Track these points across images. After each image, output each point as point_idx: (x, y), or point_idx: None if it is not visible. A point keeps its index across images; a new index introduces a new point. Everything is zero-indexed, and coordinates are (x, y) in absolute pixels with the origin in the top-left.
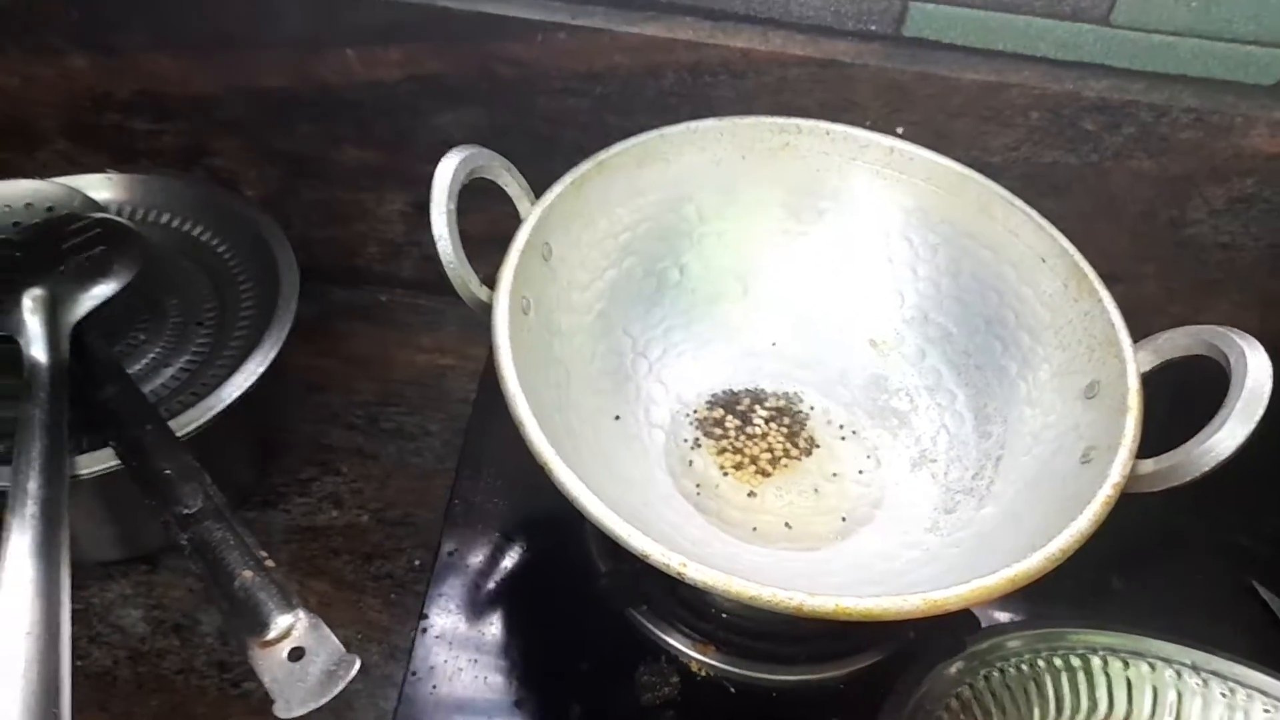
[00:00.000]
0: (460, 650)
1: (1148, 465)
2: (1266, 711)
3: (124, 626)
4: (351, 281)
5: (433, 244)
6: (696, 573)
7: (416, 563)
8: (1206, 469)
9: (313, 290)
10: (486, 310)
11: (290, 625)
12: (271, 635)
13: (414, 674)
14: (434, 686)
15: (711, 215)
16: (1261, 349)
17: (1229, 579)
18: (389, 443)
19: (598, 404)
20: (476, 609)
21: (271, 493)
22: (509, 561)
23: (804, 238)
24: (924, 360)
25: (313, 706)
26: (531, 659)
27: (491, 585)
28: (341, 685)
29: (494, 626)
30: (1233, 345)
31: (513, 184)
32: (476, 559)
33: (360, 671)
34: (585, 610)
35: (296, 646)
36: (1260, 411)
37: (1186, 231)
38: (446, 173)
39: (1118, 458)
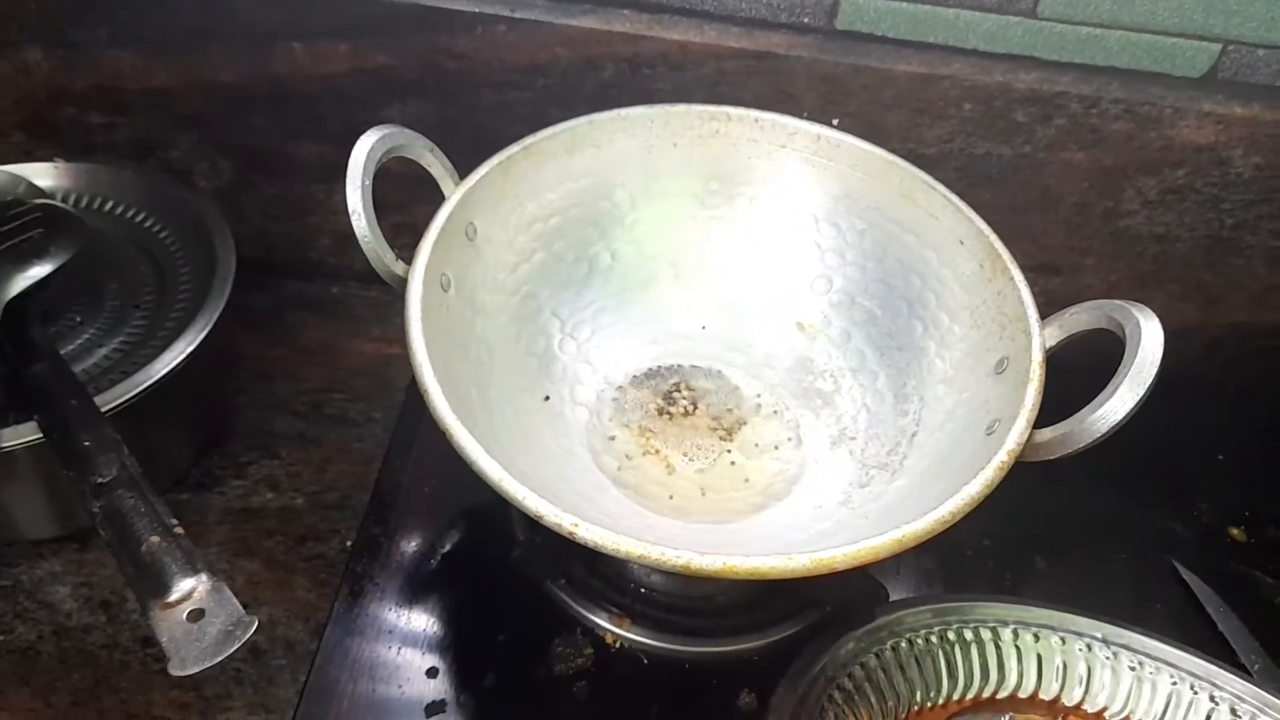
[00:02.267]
0: (377, 622)
1: (1045, 434)
2: (1174, 683)
3: (51, 603)
4: (305, 274)
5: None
6: (587, 532)
7: (349, 544)
8: (1100, 434)
9: (267, 283)
10: (403, 285)
11: (192, 588)
12: (173, 597)
13: (327, 642)
14: (346, 654)
15: (643, 201)
16: (1156, 320)
17: (1152, 560)
18: (331, 429)
19: (521, 382)
20: (397, 583)
21: (208, 476)
22: (434, 538)
23: (735, 224)
24: (849, 342)
25: (206, 665)
26: (449, 631)
27: (415, 562)
28: (238, 645)
29: (414, 600)
30: (1129, 316)
31: (436, 164)
32: (402, 537)
33: (285, 647)
34: (505, 586)
35: (196, 608)
36: (1150, 378)
37: (1121, 223)
38: (363, 150)
39: (1015, 426)
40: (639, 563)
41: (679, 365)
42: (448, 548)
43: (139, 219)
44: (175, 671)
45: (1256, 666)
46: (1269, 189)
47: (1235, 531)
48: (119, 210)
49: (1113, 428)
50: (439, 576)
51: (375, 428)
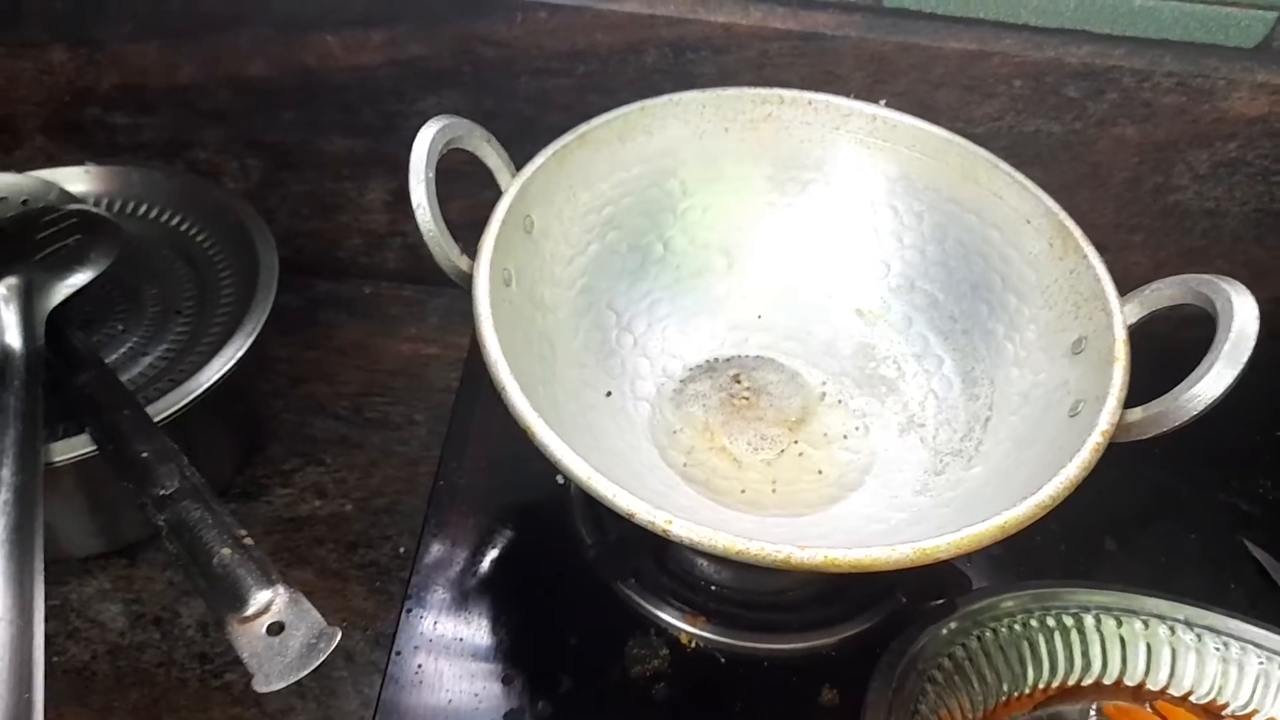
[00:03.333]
0: (446, 629)
1: (1136, 413)
2: (1261, 664)
3: (103, 621)
4: (336, 274)
5: (415, 232)
6: (682, 529)
7: (402, 550)
8: (1195, 413)
9: (297, 284)
10: (467, 280)
11: (269, 601)
12: (250, 611)
13: (398, 653)
14: (419, 666)
15: (695, 188)
16: (1248, 293)
17: (1221, 539)
18: (373, 432)
19: (583, 377)
20: (462, 589)
21: (253, 484)
22: (495, 542)
23: (789, 209)
24: (911, 328)
25: (292, 679)
26: (519, 636)
27: (477, 565)
28: (322, 657)
29: (481, 606)
30: (1219, 291)
31: (492, 155)
32: (462, 540)
33: (344, 659)
34: (573, 586)
35: (276, 621)
36: (1246, 355)
37: (1171, 198)
38: (425, 141)
39: (1106, 406)
40: (737, 559)
41: (737, 356)
42: (510, 550)
43: (174, 222)
44: (260, 688)
45: None
46: None
47: None
48: (153, 214)
49: (1209, 405)
50: (504, 580)
51: (419, 430)
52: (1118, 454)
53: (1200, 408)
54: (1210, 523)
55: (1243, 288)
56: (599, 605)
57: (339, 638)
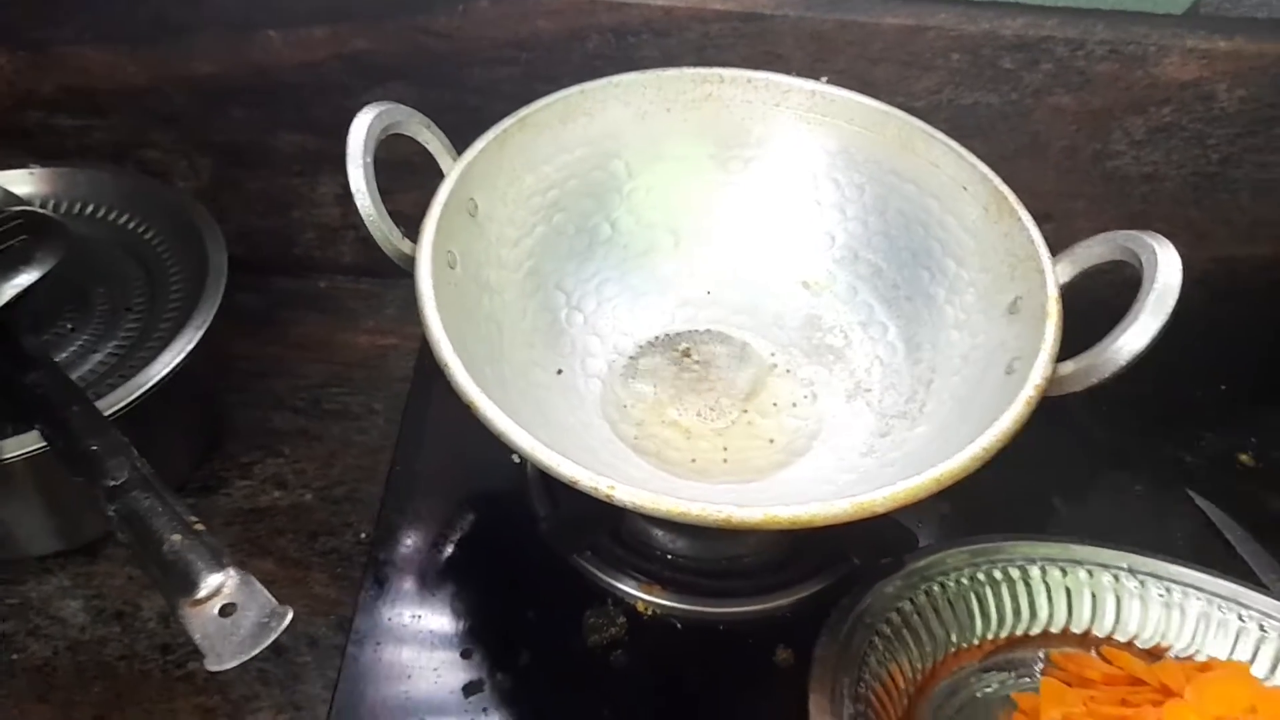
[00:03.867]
0: (405, 609)
1: (1067, 366)
2: (1202, 606)
3: (63, 617)
4: (292, 271)
5: (368, 227)
6: (625, 494)
7: (363, 536)
8: (1123, 363)
9: (254, 282)
10: (411, 264)
11: (221, 583)
12: (202, 594)
13: (357, 634)
14: (378, 645)
15: (640, 169)
16: (1172, 247)
17: (1167, 492)
18: (333, 423)
19: (532, 357)
20: (421, 570)
21: (213, 478)
22: (453, 523)
23: (733, 187)
24: (856, 297)
25: (244, 658)
26: (478, 612)
27: (436, 546)
28: (274, 636)
29: (439, 585)
30: (1144, 245)
31: (433, 140)
32: (420, 523)
33: (308, 644)
34: (530, 562)
35: (228, 603)
36: (1170, 305)
37: (1110, 165)
38: (361, 127)
39: (1038, 361)
40: (679, 520)
41: (688, 331)
42: (468, 531)
43: (122, 221)
44: (212, 667)
45: (1277, 585)
46: (1253, 122)
47: (1244, 457)
48: (101, 214)
49: (1135, 356)
50: (462, 559)
51: (378, 419)
52: (1065, 413)
53: (1128, 358)
54: (1156, 476)
55: (1166, 242)
56: (556, 579)
57: (290, 617)
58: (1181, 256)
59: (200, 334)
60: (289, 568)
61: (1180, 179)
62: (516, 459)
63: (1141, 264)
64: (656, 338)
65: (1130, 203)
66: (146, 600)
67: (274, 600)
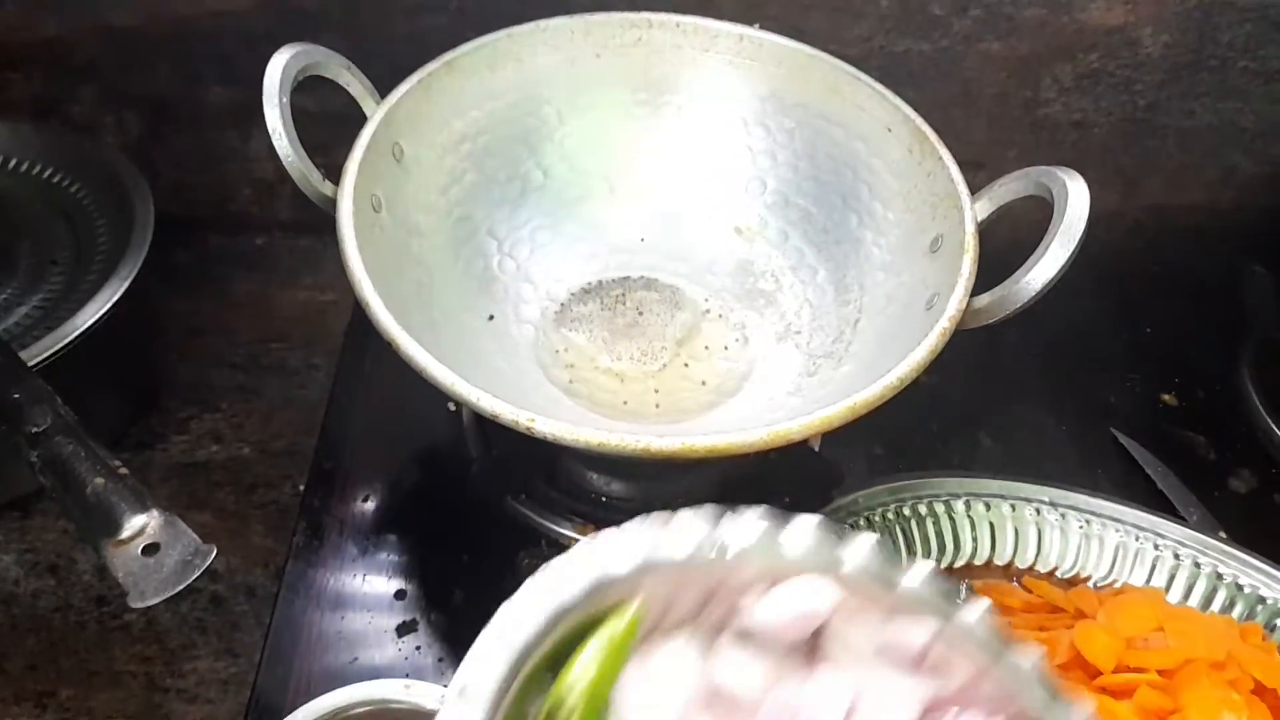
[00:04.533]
0: (338, 555)
1: (982, 300)
2: (1120, 537)
3: None
4: (229, 228)
5: None
6: (545, 426)
7: (302, 488)
8: (1035, 293)
9: (191, 239)
10: (333, 205)
11: (144, 524)
12: (125, 534)
13: (289, 577)
14: (310, 588)
15: (571, 116)
16: (1081, 180)
17: (1091, 430)
18: (271, 379)
19: (464, 303)
20: (354, 516)
21: (147, 434)
22: (388, 470)
23: (665, 133)
24: (787, 242)
25: (167, 594)
26: (412, 556)
27: (370, 494)
28: (197, 573)
29: (375, 530)
30: (1055, 179)
31: (355, 83)
32: (355, 471)
33: (246, 594)
34: (465, 507)
35: (151, 542)
36: (1078, 236)
37: (1041, 112)
38: (277, 67)
39: (954, 294)
40: (600, 451)
41: (622, 278)
42: (403, 478)
43: (46, 175)
44: (135, 604)
45: (1194, 518)
46: (1177, 67)
47: (1167, 398)
48: (23, 168)
49: (1045, 285)
50: (397, 506)
51: (318, 374)
52: (995, 356)
53: (1038, 288)
54: (1082, 416)
55: (1077, 175)
56: (490, 523)
57: (214, 554)
58: (1114, 207)
59: (126, 285)
60: (226, 520)
61: (1109, 126)
62: (452, 407)
63: (1053, 196)
64: (590, 284)
65: (1061, 150)
66: (81, 554)
67: (198, 539)
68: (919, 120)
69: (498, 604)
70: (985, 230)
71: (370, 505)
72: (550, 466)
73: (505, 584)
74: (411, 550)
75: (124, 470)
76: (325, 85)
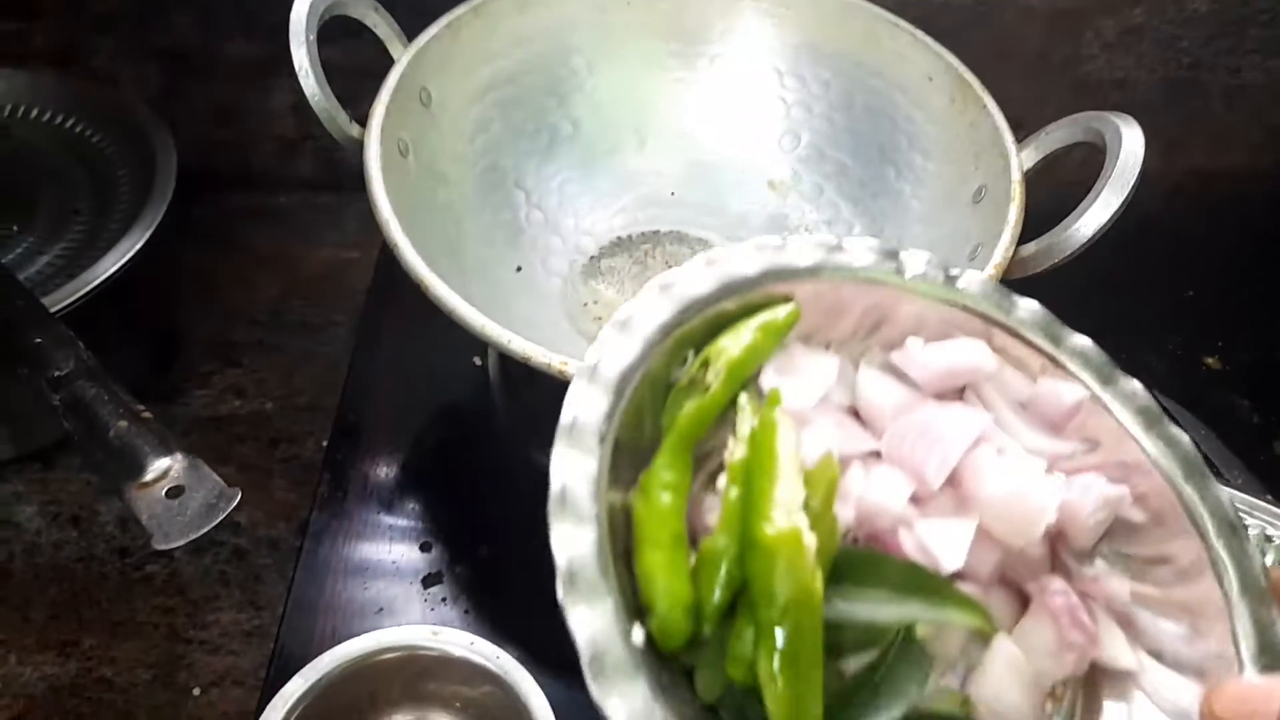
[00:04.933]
0: (362, 507)
1: (1029, 247)
2: None
3: (18, 523)
4: (250, 185)
5: (327, 135)
6: (577, 369)
7: (325, 444)
8: (1085, 240)
9: (212, 197)
10: (359, 148)
11: (168, 467)
12: (149, 477)
13: (313, 528)
14: (334, 540)
15: (601, 66)
16: (1136, 124)
17: None
18: (293, 335)
19: (492, 253)
20: (380, 468)
21: (169, 388)
22: (413, 425)
23: (697, 85)
24: (822, 196)
25: (192, 536)
26: (438, 509)
27: (395, 447)
28: (221, 515)
29: (400, 484)
30: (1108, 123)
31: (381, 24)
32: (379, 425)
33: (269, 547)
34: (492, 459)
35: (175, 485)
36: (1132, 181)
37: (1081, 70)
38: (303, 5)
39: (1000, 242)
40: None
41: (652, 231)
42: (429, 432)
43: (68, 125)
44: (159, 545)
45: (1239, 481)
46: (1224, 22)
47: (1210, 361)
48: (45, 117)
49: (1098, 232)
50: (422, 459)
51: (340, 331)
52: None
53: (1090, 234)
54: None
55: (1132, 120)
56: (517, 476)
57: (239, 497)
58: (1155, 169)
59: (148, 234)
60: (249, 473)
61: (1151, 85)
62: (478, 361)
63: (1105, 142)
64: (619, 238)
65: (1102, 109)
66: (104, 505)
67: (222, 482)
68: (962, 68)
69: (524, 557)
70: (1033, 182)
71: (394, 459)
72: None
73: (532, 538)
74: (436, 503)
75: (147, 414)
76: (352, 37)
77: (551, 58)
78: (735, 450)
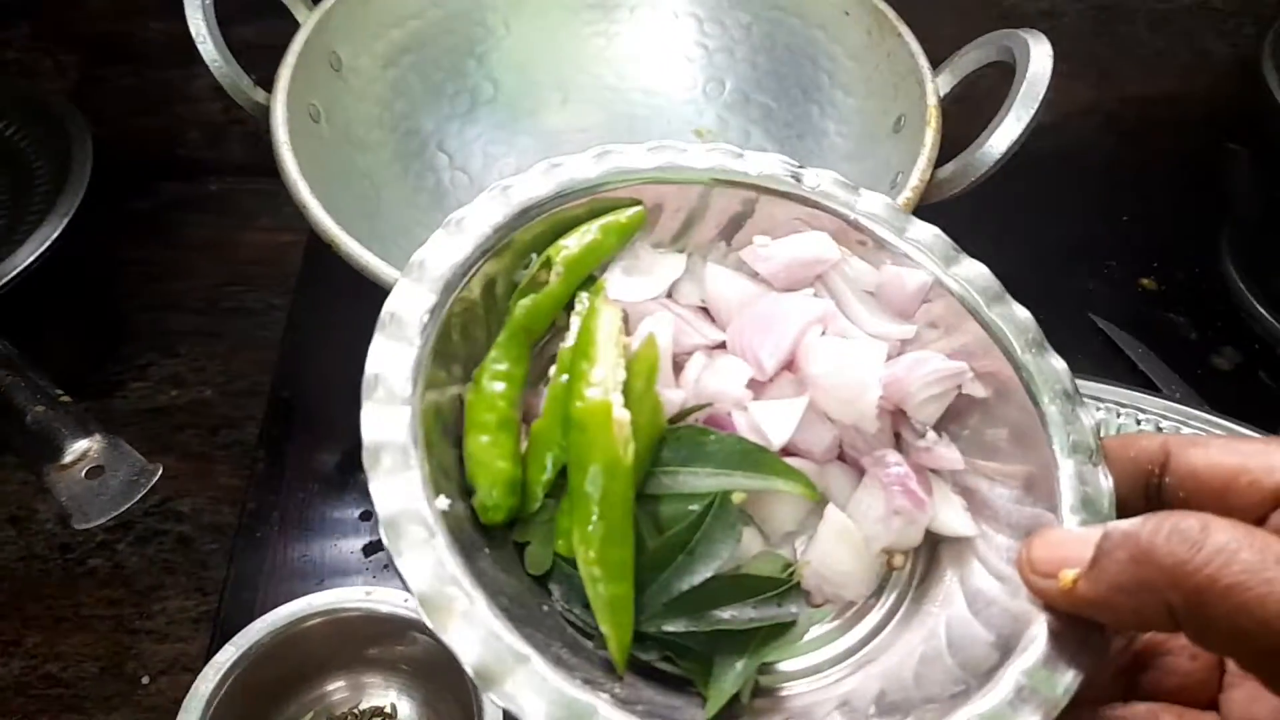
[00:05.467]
0: (302, 476)
1: (945, 170)
2: (1100, 410)
3: None
4: (181, 173)
5: (253, 119)
6: None
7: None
8: (996, 159)
9: (145, 187)
10: (266, 113)
11: (87, 448)
12: (68, 459)
13: (251, 504)
14: (273, 511)
15: (517, 23)
16: (1045, 40)
17: (1070, 317)
18: (231, 321)
19: (415, 217)
20: (315, 445)
21: (106, 382)
22: (349, 399)
23: (618, 37)
24: (749, 141)
25: (112, 514)
26: None
27: (329, 422)
28: (143, 492)
29: (337, 458)
30: (1017, 40)
31: None
32: (312, 402)
33: (214, 532)
34: None
35: (95, 465)
36: (1039, 97)
37: (1008, 3)
38: None
39: (917, 166)
40: None
41: None
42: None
43: None
44: (78, 525)
45: (1177, 395)
46: None
47: (1146, 282)
48: None
49: (1009, 149)
50: (358, 430)
51: (278, 315)
52: (969, 248)
53: (1001, 152)
54: (1059, 304)
55: (1041, 36)
56: None
57: (160, 473)
58: (1088, 98)
59: (65, 222)
60: (191, 462)
61: (1079, 13)
62: None
63: (1015, 59)
64: None
65: None
66: (42, 504)
67: (143, 459)
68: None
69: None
70: (954, 113)
71: (330, 433)
72: None
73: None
74: None
75: (66, 398)
76: (275, 17)
77: (466, 18)
78: (567, 340)
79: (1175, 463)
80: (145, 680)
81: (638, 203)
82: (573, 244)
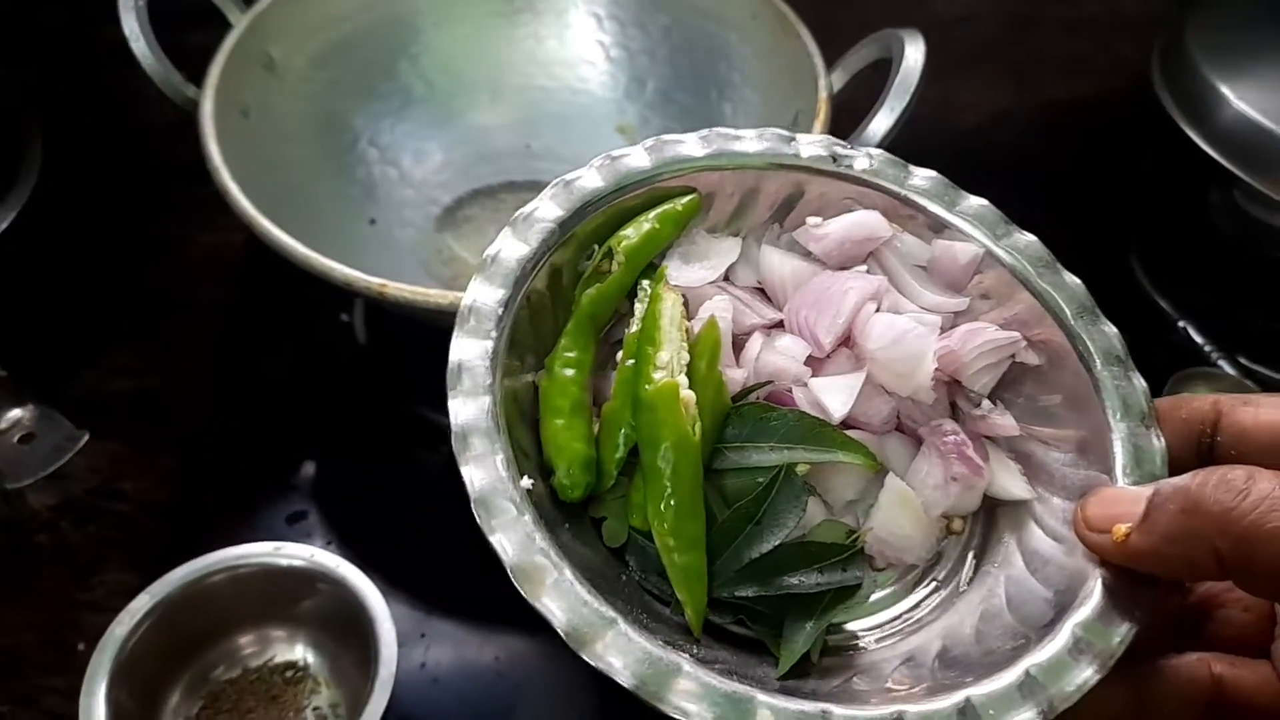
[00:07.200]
0: (234, 464)
1: None
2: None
3: None
4: (134, 174)
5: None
6: (395, 291)
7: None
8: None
9: (93, 187)
10: (196, 108)
11: (19, 417)
12: (2, 426)
13: (179, 481)
14: (206, 496)
15: (447, 24)
16: (920, 38)
17: None
18: (178, 315)
19: (345, 209)
20: (253, 428)
21: (61, 370)
22: (285, 382)
23: (546, 39)
24: None
25: (41, 474)
26: (309, 454)
27: (267, 405)
28: (69, 455)
29: (266, 432)
30: (895, 39)
31: None
32: (255, 388)
33: (153, 514)
34: (361, 409)
35: (26, 433)
36: (911, 90)
37: (929, 9)
38: None
39: None
40: (450, 310)
41: (507, 182)
42: (300, 385)
43: None
44: (10, 485)
45: None
46: None
47: None
48: None
49: (883, 140)
50: (294, 411)
51: (223, 308)
52: None
53: (875, 142)
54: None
55: (917, 34)
56: (386, 423)
57: (85, 438)
58: (1010, 103)
59: (13, 215)
60: (136, 447)
61: (996, 19)
62: (345, 317)
63: (893, 56)
64: (476, 190)
65: (952, 46)
66: None
67: (72, 426)
68: (779, 2)
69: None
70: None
71: (267, 416)
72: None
73: (399, 473)
74: (307, 449)
75: (2, 372)
76: (222, 24)
77: (397, 20)
78: (632, 326)
79: (1226, 421)
80: (81, 647)
81: (692, 191)
82: (632, 234)
